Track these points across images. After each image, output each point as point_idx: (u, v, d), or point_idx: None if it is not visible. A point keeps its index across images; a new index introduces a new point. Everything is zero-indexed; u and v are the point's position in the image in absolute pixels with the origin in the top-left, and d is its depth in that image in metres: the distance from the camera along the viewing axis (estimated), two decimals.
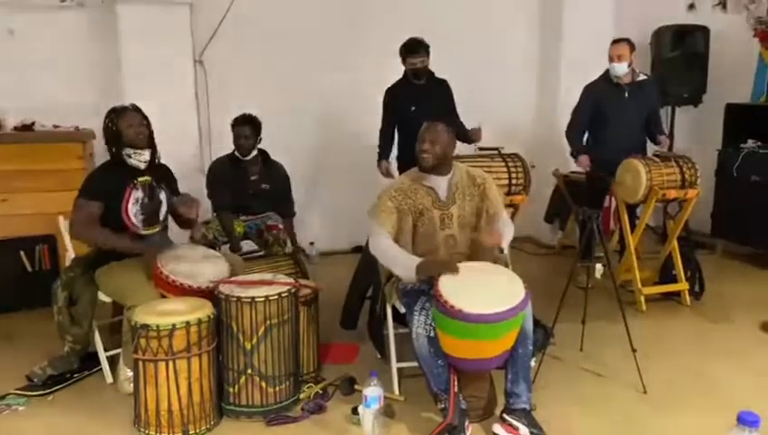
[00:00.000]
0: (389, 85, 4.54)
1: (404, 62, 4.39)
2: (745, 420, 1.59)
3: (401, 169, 4.37)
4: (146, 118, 3.30)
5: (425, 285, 2.94)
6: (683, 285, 4.44)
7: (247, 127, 4.09)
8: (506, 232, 3.05)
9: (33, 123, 4.57)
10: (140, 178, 3.28)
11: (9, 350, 3.72)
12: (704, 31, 5.91)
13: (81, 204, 3.18)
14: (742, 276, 5.14)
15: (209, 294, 3.00)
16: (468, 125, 4.51)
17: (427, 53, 4.35)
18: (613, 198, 4.75)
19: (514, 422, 2.75)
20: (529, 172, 4.19)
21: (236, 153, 4.16)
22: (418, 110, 4.26)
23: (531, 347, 2.86)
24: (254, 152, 4.17)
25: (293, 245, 4.29)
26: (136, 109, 3.29)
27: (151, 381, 2.72)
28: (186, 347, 2.73)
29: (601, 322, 3.77)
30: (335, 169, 5.53)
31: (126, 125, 3.21)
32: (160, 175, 3.41)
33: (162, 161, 3.47)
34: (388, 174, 4.61)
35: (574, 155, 4.71)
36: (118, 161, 3.27)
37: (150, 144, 3.30)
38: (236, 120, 4.12)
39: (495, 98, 5.60)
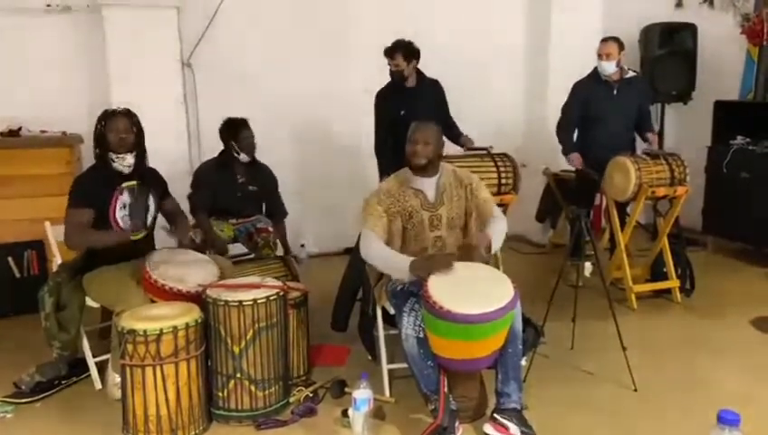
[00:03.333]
0: (380, 89, 4.49)
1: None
2: (725, 419, 1.58)
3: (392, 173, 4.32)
4: (136, 124, 3.28)
5: (414, 287, 2.93)
6: (674, 283, 4.45)
7: (249, 128, 4.10)
8: (497, 232, 3.04)
9: (19, 128, 4.54)
10: (126, 183, 3.27)
11: None
12: (692, 28, 5.93)
13: (71, 213, 3.17)
14: (732, 273, 5.15)
15: (198, 297, 2.99)
16: (459, 126, 4.50)
17: (406, 57, 4.24)
18: (603, 196, 4.74)
19: (505, 422, 2.75)
20: (518, 171, 4.18)
21: (241, 155, 4.10)
22: (408, 114, 4.18)
23: (521, 346, 2.85)
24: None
25: (285, 248, 4.26)
26: (127, 114, 3.27)
27: (139, 387, 2.70)
28: (173, 352, 2.71)
29: (592, 320, 3.77)
30: (326, 171, 5.51)
31: (111, 129, 3.20)
32: (148, 179, 3.39)
33: (151, 164, 3.45)
34: None
35: (566, 153, 4.71)
36: (103, 164, 3.26)
37: (135, 149, 3.27)
38: (238, 125, 4.09)
39: (484, 97, 5.60)
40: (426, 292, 2.66)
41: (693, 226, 5.69)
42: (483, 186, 3.20)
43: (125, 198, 3.26)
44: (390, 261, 2.94)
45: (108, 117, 3.24)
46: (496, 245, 3.00)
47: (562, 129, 4.70)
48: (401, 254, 2.97)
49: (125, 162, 3.24)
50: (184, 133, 5.02)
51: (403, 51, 4.23)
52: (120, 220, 3.25)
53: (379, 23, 5.19)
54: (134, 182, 3.29)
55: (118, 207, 3.24)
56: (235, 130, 4.11)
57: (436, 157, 3.08)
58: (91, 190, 3.21)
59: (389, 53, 4.26)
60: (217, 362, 2.90)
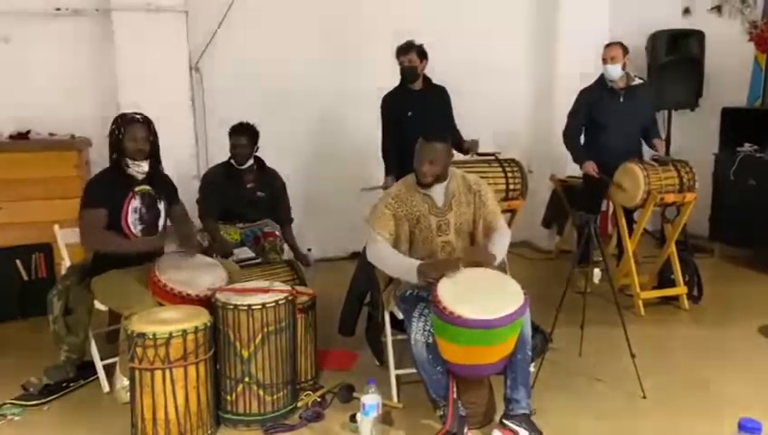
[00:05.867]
0: (386, 93, 4.50)
1: (399, 63, 4.38)
2: (746, 427, 1.57)
3: (398, 175, 4.33)
4: (153, 132, 3.29)
5: (423, 292, 2.93)
6: (681, 289, 4.44)
7: (244, 136, 4.09)
8: (500, 246, 3.04)
9: (28, 131, 4.56)
10: (138, 188, 3.27)
11: (5, 359, 3.69)
12: (699, 35, 5.93)
13: (86, 214, 3.17)
14: (740, 280, 5.14)
15: (206, 302, 2.99)
16: (464, 131, 4.50)
17: (419, 55, 4.29)
18: (611, 202, 4.74)
19: (515, 427, 2.74)
20: (526, 177, 4.19)
21: (232, 161, 4.15)
22: (415, 115, 4.23)
23: (530, 352, 2.85)
24: (251, 161, 4.16)
25: (294, 253, 4.26)
26: (144, 121, 3.27)
27: (148, 391, 2.70)
28: (182, 356, 2.70)
29: (600, 326, 3.75)
30: (332, 176, 5.51)
31: (129, 137, 3.20)
32: (159, 184, 3.39)
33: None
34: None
35: (578, 161, 4.69)
36: (117, 168, 3.26)
37: (151, 156, 3.28)
38: (233, 129, 4.12)
39: (492, 103, 5.60)
40: (435, 297, 2.66)
41: (700, 232, 5.69)
42: (491, 194, 3.19)
43: (137, 202, 3.26)
44: (397, 264, 2.96)
45: (126, 124, 3.23)
46: (500, 257, 3.00)
47: (569, 137, 4.69)
48: (408, 257, 2.98)
49: (140, 169, 3.25)
50: (191, 137, 5.02)
51: (416, 50, 4.31)
52: (131, 224, 3.25)
53: (387, 28, 5.18)
54: (146, 187, 3.29)
55: (130, 211, 3.24)
56: (230, 135, 4.12)
57: (444, 171, 3.08)
58: (105, 192, 3.21)
59: (404, 50, 4.30)
60: (226, 365, 2.90)
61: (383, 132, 4.47)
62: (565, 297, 3.38)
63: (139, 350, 2.69)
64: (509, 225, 4.10)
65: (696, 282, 4.51)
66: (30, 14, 4.70)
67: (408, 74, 4.33)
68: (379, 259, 3.03)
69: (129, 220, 3.24)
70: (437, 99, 4.46)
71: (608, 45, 4.52)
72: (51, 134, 4.63)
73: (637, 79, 4.64)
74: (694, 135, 6.18)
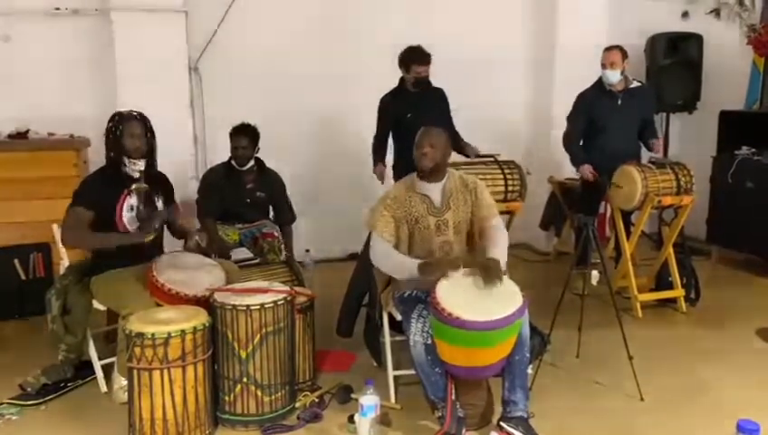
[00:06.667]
0: (385, 93, 4.51)
1: (407, 69, 4.34)
2: (745, 428, 1.58)
3: (397, 178, 4.34)
4: (150, 129, 3.28)
5: (421, 293, 2.93)
6: (679, 292, 4.45)
7: (245, 137, 4.08)
8: (501, 248, 2.97)
9: (27, 131, 4.55)
10: (135, 186, 3.27)
11: (3, 359, 3.69)
12: (698, 38, 5.95)
13: (71, 212, 3.17)
14: (737, 283, 5.15)
15: (205, 302, 2.99)
16: (463, 132, 4.52)
17: (429, 63, 4.33)
18: (608, 205, 4.74)
19: (512, 430, 2.74)
20: (525, 179, 4.19)
21: (233, 162, 4.15)
22: (414, 116, 4.24)
23: (528, 354, 2.85)
24: (251, 162, 4.16)
25: (288, 253, 4.27)
26: (141, 118, 3.27)
27: (146, 390, 2.70)
28: (181, 356, 2.70)
29: (598, 328, 3.76)
30: (330, 177, 5.52)
31: (127, 134, 3.20)
32: (156, 183, 3.39)
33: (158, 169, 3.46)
34: (382, 178, 4.58)
35: (576, 165, 4.69)
36: (113, 167, 3.26)
37: (148, 155, 3.28)
38: (235, 130, 4.11)
39: (491, 105, 5.61)
40: (434, 299, 2.66)
41: (697, 235, 5.70)
42: (487, 191, 3.19)
43: (133, 200, 3.26)
44: (399, 264, 2.96)
45: (124, 121, 3.23)
46: (504, 261, 2.98)
47: (569, 140, 4.69)
48: (409, 256, 2.99)
49: (136, 167, 3.25)
50: (190, 138, 5.03)
51: (430, 57, 4.31)
52: (126, 222, 3.25)
53: (387, 30, 5.20)
54: (143, 185, 3.28)
55: (125, 209, 3.24)
56: (231, 137, 4.12)
57: (443, 161, 3.10)
58: (97, 192, 3.21)
59: (423, 59, 4.29)
60: (224, 366, 2.90)
61: (377, 132, 4.50)
62: (563, 299, 3.40)
63: (137, 350, 2.69)
64: (507, 227, 4.11)
65: (693, 284, 4.52)
66: (30, 14, 4.70)
67: (422, 84, 4.34)
68: (381, 261, 3.05)
69: (125, 219, 3.24)
70: (436, 100, 4.48)
71: (607, 49, 4.51)
72: (50, 134, 4.62)
73: (635, 81, 4.64)
74: (692, 138, 6.20)
